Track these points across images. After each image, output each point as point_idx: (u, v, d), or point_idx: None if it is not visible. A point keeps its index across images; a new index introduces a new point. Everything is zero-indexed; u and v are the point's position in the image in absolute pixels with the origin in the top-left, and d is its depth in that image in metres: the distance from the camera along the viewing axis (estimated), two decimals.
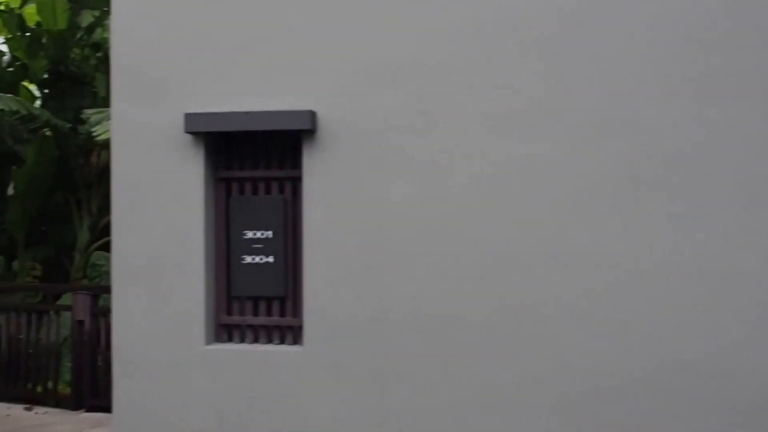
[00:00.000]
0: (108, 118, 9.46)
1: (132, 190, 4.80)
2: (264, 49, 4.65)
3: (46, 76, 12.05)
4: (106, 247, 11.38)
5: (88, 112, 10.14)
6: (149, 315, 4.78)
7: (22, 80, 12.86)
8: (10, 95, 10.85)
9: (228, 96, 4.66)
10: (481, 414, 4.41)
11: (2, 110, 10.42)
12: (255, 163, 4.78)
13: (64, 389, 9.92)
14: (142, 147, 4.78)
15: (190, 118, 4.57)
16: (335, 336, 4.58)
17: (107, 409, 9.12)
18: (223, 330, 4.80)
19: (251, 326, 4.77)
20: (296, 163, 4.75)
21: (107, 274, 10.64)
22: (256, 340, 4.77)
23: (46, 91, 12.10)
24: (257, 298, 4.78)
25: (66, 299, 10.47)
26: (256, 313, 4.78)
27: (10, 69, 12.69)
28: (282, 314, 4.76)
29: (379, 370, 4.51)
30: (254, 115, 4.55)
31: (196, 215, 4.71)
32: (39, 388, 10.06)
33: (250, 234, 4.73)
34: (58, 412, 9.63)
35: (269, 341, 4.78)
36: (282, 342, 4.76)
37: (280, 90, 4.61)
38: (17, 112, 10.71)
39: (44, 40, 11.35)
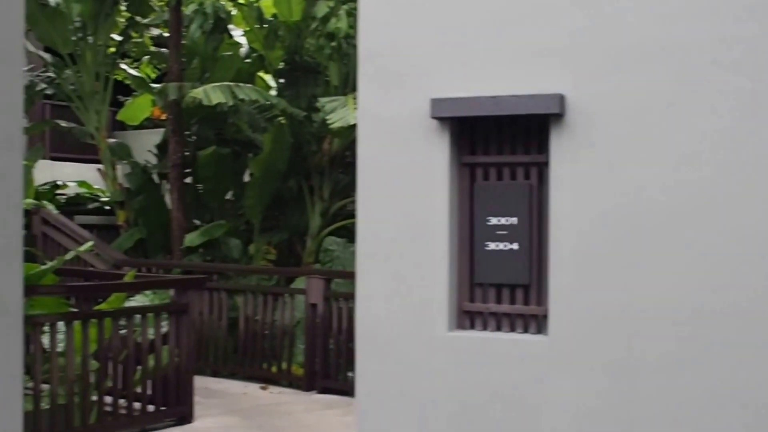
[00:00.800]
0: (342, 105, 9.73)
1: (376, 176, 4.84)
2: (510, 33, 4.58)
3: (281, 66, 12.49)
4: (338, 233, 11.85)
5: (322, 100, 10.49)
6: (392, 300, 4.80)
7: (259, 71, 13.53)
8: (249, 85, 11.36)
9: (474, 81, 4.61)
10: (736, 410, 4.17)
11: (242, 100, 10.87)
12: (500, 148, 4.71)
13: (297, 370, 10.35)
14: (387, 134, 4.80)
15: (436, 103, 4.56)
16: (582, 326, 4.45)
17: (338, 391, 9.64)
18: (466, 317, 4.77)
19: (494, 314, 4.71)
20: (542, 148, 4.63)
21: (339, 258, 11.04)
22: (498, 328, 4.71)
23: (282, 80, 12.57)
24: (500, 286, 4.71)
25: (299, 283, 10.94)
26: (499, 301, 4.71)
27: (247, 60, 13.31)
28: (526, 302, 4.67)
29: (627, 363, 4.35)
30: (501, 100, 4.48)
31: (440, 201, 4.68)
32: (273, 369, 10.59)
33: (494, 220, 4.66)
34: (291, 393, 10.06)
35: (512, 330, 4.70)
36: (525, 331, 4.67)
37: (527, 73, 4.52)
38: (255, 101, 11.18)
39: (280, 32, 11.78)
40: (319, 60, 12.06)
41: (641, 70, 4.34)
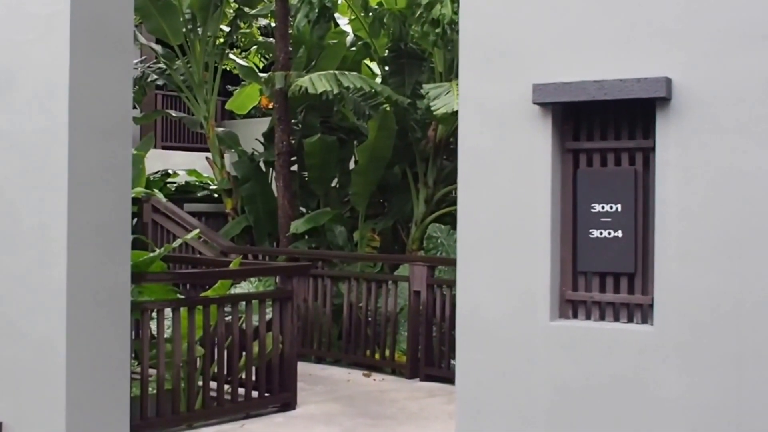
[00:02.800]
0: (447, 92, 9.72)
1: (478, 163, 4.77)
2: (615, 14, 4.46)
3: (386, 53, 12.48)
4: (442, 220, 11.81)
5: (426, 87, 10.46)
6: (494, 288, 4.74)
7: (364, 59, 13.59)
8: (353, 73, 11.37)
9: (577, 65, 4.50)
10: None
11: (347, 88, 10.91)
12: (603, 133, 4.59)
13: (400, 358, 10.34)
14: (489, 120, 4.73)
15: (538, 88, 4.47)
16: (689, 317, 4.31)
17: (441, 379, 9.62)
18: (568, 306, 4.68)
19: (597, 303, 4.60)
20: (647, 133, 4.49)
21: (443, 246, 11.06)
22: (602, 318, 4.60)
23: (386, 68, 12.55)
24: (604, 274, 4.59)
25: (403, 270, 10.97)
26: (602, 290, 4.59)
27: (352, 48, 13.34)
28: (630, 291, 4.54)
29: (737, 356, 4.20)
30: (605, 84, 4.37)
31: (542, 188, 4.59)
32: (377, 356, 10.62)
33: (598, 207, 4.55)
34: (394, 380, 10.05)
35: (616, 319, 4.58)
36: (630, 320, 4.55)
37: (632, 56, 4.39)
38: (360, 89, 11.19)
39: (385, 19, 11.77)
40: (425, 47, 12.02)
41: (753, 53, 4.17)
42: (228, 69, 15.96)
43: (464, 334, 4.85)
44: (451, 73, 11.74)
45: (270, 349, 8.55)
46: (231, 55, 14.88)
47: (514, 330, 4.70)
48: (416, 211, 12.18)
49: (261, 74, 14.17)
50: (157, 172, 14.91)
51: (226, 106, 16.58)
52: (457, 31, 11.03)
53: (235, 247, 11.90)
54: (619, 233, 4.53)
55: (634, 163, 4.55)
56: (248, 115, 17.89)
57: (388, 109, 11.77)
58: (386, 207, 13.12)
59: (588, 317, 4.65)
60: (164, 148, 17.64)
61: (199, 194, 15.12)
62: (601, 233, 4.56)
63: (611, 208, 4.54)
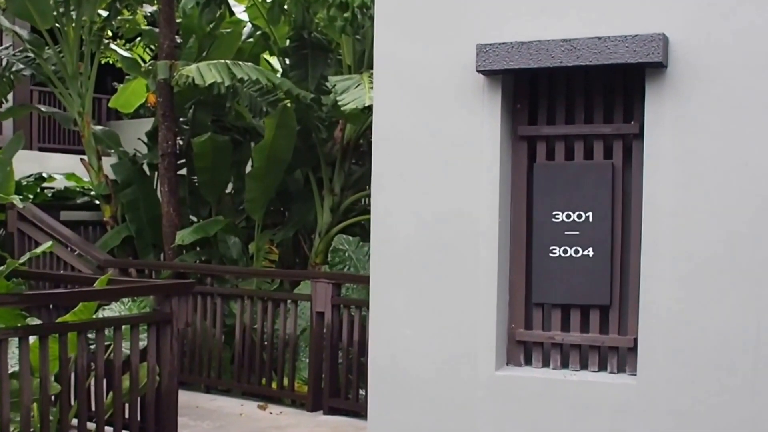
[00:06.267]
0: (357, 84, 9.35)
1: (399, 156, 3.72)
2: None
3: (287, 43, 11.84)
4: (350, 231, 11.18)
5: (333, 79, 9.81)
6: (417, 320, 3.71)
7: (263, 52, 12.84)
8: (249, 64, 10.56)
9: (538, 18, 3.44)
10: None
11: (241, 80, 10.07)
12: (570, 114, 3.54)
13: (301, 387, 9.53)
14: (413, 96, 3.67)
15: (484, 50, 3.37)
16: (686, 364, 3.28)
17: (348, 412, 8.69)
18: (520, 349, 3.66)
19: (558, 345, 3.60)
20: (630, 114, 3.47)
21: (351, 260, 10.44)
22: (564, 365, 3.59)
23: (287, 61, 11.99)
24: (568, 307, 3.57)
25: (304, 287, 10.06)
26: (566, 327, 3.57)
27: (250, 40, 12.77)
28: (603, 330, 3.53)
29: (754, 418, 3.13)
30: (576, 44, 3.29)
31: (486, 189, 3.53)
32: (274, 385, 9.71)
33: (561, 216, 3.56)
34: (294, 413, 9.20)
35: (584, 367, 3.55)
36: (602, 368, 3.53)
37: (615, 6, 3.34)
38: (257, 81, 10.51)
39: (286, 5, 10.97)
40: (331, 36, 11.24)
41: None
42: (112, 62, 14.95)
43: (378, 386, 3.82)
44: (361, 66, 10.88)
45: (144, 383, 7.43)
46: (113, 46, 13.84)
47: (446, 383, 3.66)
48: (320, 220, 11.39)
49: (148, 67, 13.17)
50: (30, 176, 13.88)
51: (110, 104, 15.64)
52: (369, 17, 10.42)
53: (113, 261, 10.87)
54: (590, 251, 3.57)
55: (611, 156, 3.55)
56: (138, 116, 16.85)
57: (288, 104, 10.89)
58: (286, 216, 12.33)
59: (546, 364, 3.65)
60: (41, 149, 16.76)
61: (79, 201, 14.12)
62: (565, 251, 3.61)
63: (579, 217, 3.57)
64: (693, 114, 3.23)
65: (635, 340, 3.41)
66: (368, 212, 11.83)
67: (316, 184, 11.49)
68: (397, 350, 3.71)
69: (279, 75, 11.93)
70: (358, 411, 8.36)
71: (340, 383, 9.06)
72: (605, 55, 3.21)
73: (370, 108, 9.09)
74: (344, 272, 10.17)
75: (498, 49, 3.33)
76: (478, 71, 3.39)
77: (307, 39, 11.43)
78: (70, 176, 14.21)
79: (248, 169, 12.10)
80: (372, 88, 9.41)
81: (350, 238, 10.53)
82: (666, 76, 3.23)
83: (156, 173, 12.42)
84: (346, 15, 9.71)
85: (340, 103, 9.09)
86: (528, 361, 3.63)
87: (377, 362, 3.76)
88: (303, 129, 11.14)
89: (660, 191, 3.29)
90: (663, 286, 3.30)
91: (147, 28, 13.77)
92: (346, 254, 10.34)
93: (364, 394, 8.35)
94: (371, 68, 11.00)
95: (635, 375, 3.40)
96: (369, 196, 11.86)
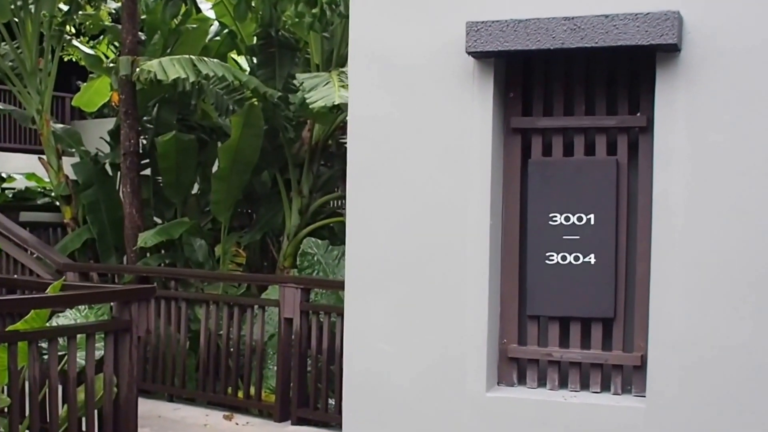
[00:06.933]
0: (326, 82, 9.28)
1: (377, 150, 3.36)
2: None
3: (254, 41, 11.89)
4: (319, 234, 11.05)
5: (301, 76, 9.75)
6: (397, 334, 3.36)
7: (230, 51, 12.78)
8: (214, 60, 10.35)
9: None
10: None
11: (206, 76, 9.90)
12: (569, 104, 3.20)
13: (268, 397, 9.31)
14: (394, 82, 3.31)
15: (475, 29, 3.01)
16: (701, 384, 2.96)
17: (317, 423, 8.48)
18: (512, 367, 3.32)
19: (556, 363, 3.27)
20: (637, 105, 3.14)
21: (320, 264, 10.23)
22: (563, 385, 3.26)
23: (254, 59, 12.00)
24: (567, 320, 3.25)
25: (272, 292, 9.79)
26: (565, 343, 3.25)
27: (216, 38, 12.79)
28: (607, 346, 3.22)
29: None
30: (580, 23, 2.96)
31: (476, 188, 3.18)
32: (240, 394, 9.47)
33: (559, 218, 3.23)
34: (261, 423, 8.99)
35: (584, 388, 3.23)
36: (605, 389, 3.20)
37: None
38: (223, 78, 10.32)
39: (253, 2, 10.86)
40: (299, 35, 11.07)
41: None
42: (75, 60, 14.63)
43: (353, 405, 3.47)
44: (330, 65, 10.71)
45: (101, 395, 7.09)
46: (76, 43, 13.50)
47: (430, 404, 3.29)
48: (288, 223, 11.23)
49: (111, 65, 12.86)
50: None
51: (73, 102, 15.38)
52: (339, 14, 10.20)
53: (72, 264, 10.58)
54: (591, 258, 3.23)
55: (615, 152, 3.22)
56: (102, 115, 16.64)
57: (255, 103, 10.68)
58: (254, 218, 12.15)
59: (542, 384, 3.30)
60: (1, 149, 16.41)
61: (39, 201, 13.96)
62: (563, 258, 3.28)
63: (579, 219, 3.24)
64: (709, 105, 2.91)
65: (643, 358, 3.08)
66: (337, 215, 11.67)
67: (284, 185, 11.39)
68: (375, 366, 3.35)
69: (247, 73, 11.78)
70: (328, 421, 8.14)
71: (309, 392, 8.86)
72: (613, 36, 2.87)
73: (338, 107, 8.88)
74: (313, 277, 10.02)
75: (491, 28, 2.97)
76: (468, 53, 3.04)
77: (274, 37, 11.31)
78: (30, 176, 14.07)
79: (215, 169, 11.95)
80: (342, 86, 9.22)
81: (319, 241, 10.39)
82: (679, 61, 2.90)
83: (118, 173, 12.19)
84: (314, 11, 9.56)
85: (308, 101, 8.95)
86: (522, 381, 3.29)
87: (352, 379, 3.39)
88: (270, 129, 11.04)
89: (671, 191, 2.97)
90: (674, 297, 2.98)
91: (111, 24, 13.48)
92: (315, 258, 10.18)
93: (333, 403, 8.21)
94: (340, 67, 10.85)
95: (643, 396, 3.08)
96: (338, 198, 11.70)
